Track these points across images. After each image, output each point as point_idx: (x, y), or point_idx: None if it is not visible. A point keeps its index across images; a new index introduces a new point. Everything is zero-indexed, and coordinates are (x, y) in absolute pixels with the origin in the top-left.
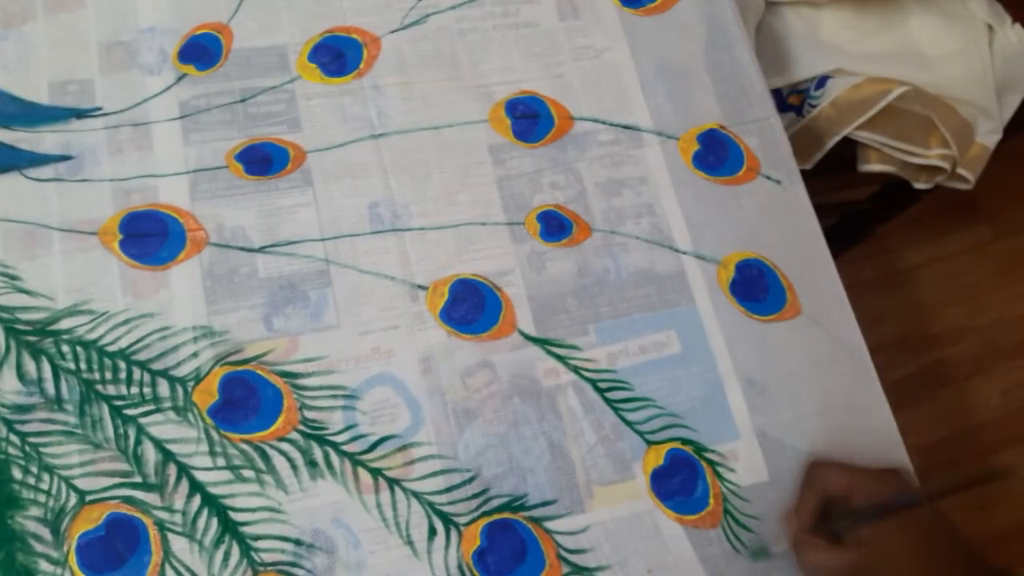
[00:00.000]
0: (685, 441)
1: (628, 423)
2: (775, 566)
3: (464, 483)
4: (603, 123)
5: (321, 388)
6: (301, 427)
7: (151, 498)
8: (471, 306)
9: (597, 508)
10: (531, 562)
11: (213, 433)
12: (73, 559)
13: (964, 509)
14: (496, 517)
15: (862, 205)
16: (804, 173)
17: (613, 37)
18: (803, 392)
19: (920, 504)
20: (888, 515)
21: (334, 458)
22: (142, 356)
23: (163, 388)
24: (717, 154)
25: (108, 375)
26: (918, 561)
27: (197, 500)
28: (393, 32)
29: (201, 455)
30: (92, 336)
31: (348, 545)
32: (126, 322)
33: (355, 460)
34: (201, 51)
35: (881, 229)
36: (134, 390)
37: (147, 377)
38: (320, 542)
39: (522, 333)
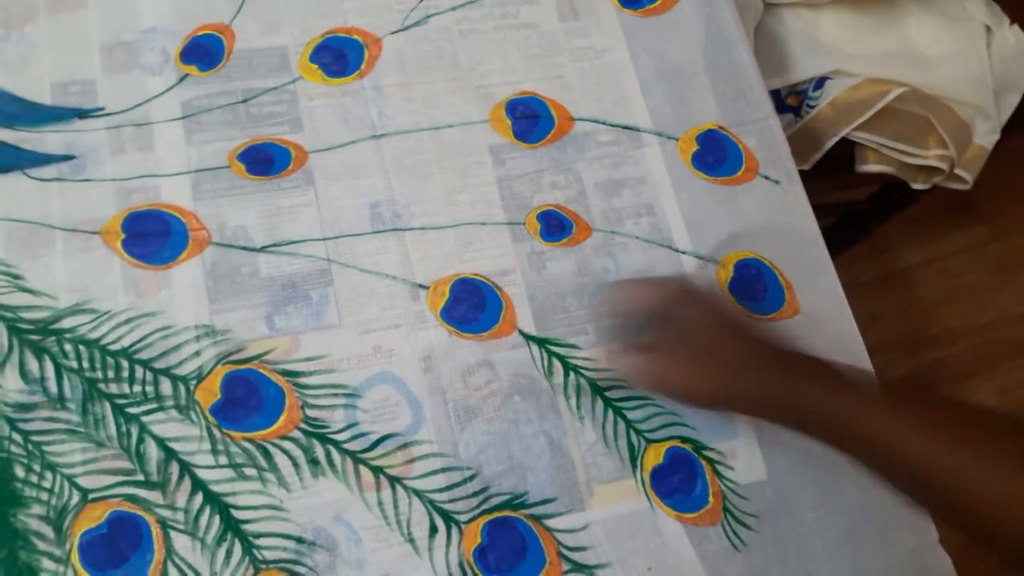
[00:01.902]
0: (684, 439)
1: (628, 421)
2: (775, 566)
3: (465, 481)
4: (603, 124)
5: (322, 387)
6: (303, 425)
7: (153, 496)
8: (471, 305)
9: (597, 506)
10: (531, 559)
11: (215, 431)
12: (75, 557)
13: None
14: (497, 515)
15: (860, 205)
16: (803, 173)
17: (613, 38)
18: None
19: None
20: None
21: (335, 456)
22: (144, 355)
23: (165, 387)
24: (716, 154)
25: (110, 374)
26: (706, 349)
27: (199, 498)
28: (394, 33)
29: (203, 453)
30: (94, 335)
31: (349, 543)
32: (128, 321)
33: (356, 458)
34: (203, 52)
35: (879, 229)
36: (136, 389)
37: (149, 376)
38: (321, 540)
39: (522, 332)
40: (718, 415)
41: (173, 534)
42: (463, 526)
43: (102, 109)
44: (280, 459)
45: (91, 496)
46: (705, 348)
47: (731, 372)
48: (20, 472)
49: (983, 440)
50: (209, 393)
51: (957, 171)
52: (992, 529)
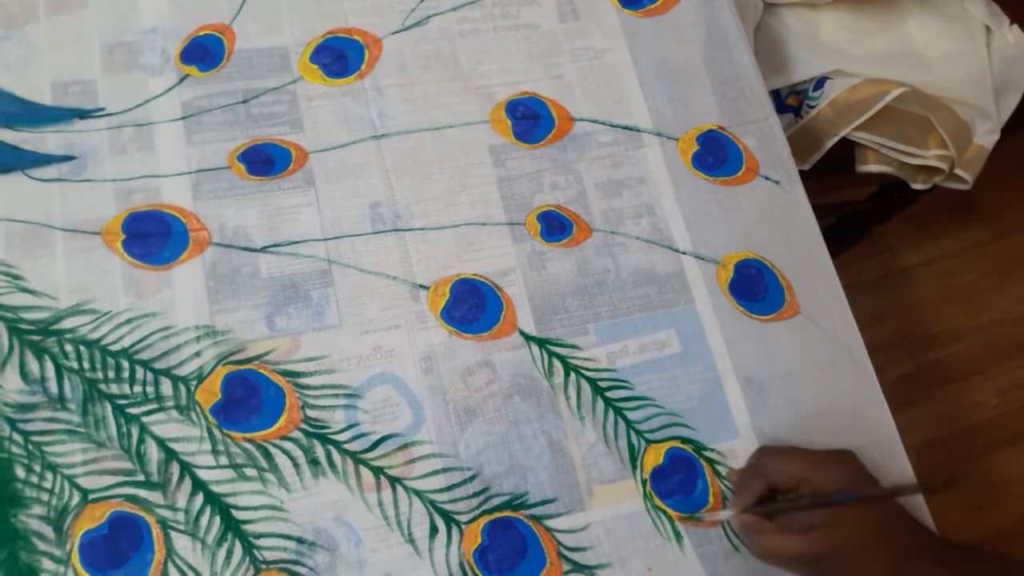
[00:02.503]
0: (684, 440)
1: (628, 422)
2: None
3: (465, 481)
4: (603, 124)
5: (323, 387)
6: (303, 426)
7: (154, 497)
8: (472, 306)
9: (597, 506)
10: (532, 560)
11: (215, 432)
12: (76, 557)
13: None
14: (497, 515)
15: (860, 205)
16: (803, 173)
17: (613, 38)
18: (802, 391)
19: (856, 503)
20: (826, 506)
21: (336, 457)
22: (145, 355)
23: (166, 387)
24: (716, 155)
25: (111, 374)
26: (875, 547)
27: (200, 498)
28: (394, 33)
29: (204, 454)
30: (95, 335)
31: (350, 543)
32: (129, 321)
33: (357, 459)
34: (203, 52)
35: (879, 229)
36: (137, 389)
37: (150, 376)
38: (322, 540)
39: (522, 333)
40: (718, 414)
41: (173, 534)
42: (463, 526)
43: (102, 109)
44: (280, 459)
45: (91, 496)
46: (871, 546)
47: (892, 573)
48: (20, 472)
49: None
50: (209, 393)
51: (957, 171)
52: None
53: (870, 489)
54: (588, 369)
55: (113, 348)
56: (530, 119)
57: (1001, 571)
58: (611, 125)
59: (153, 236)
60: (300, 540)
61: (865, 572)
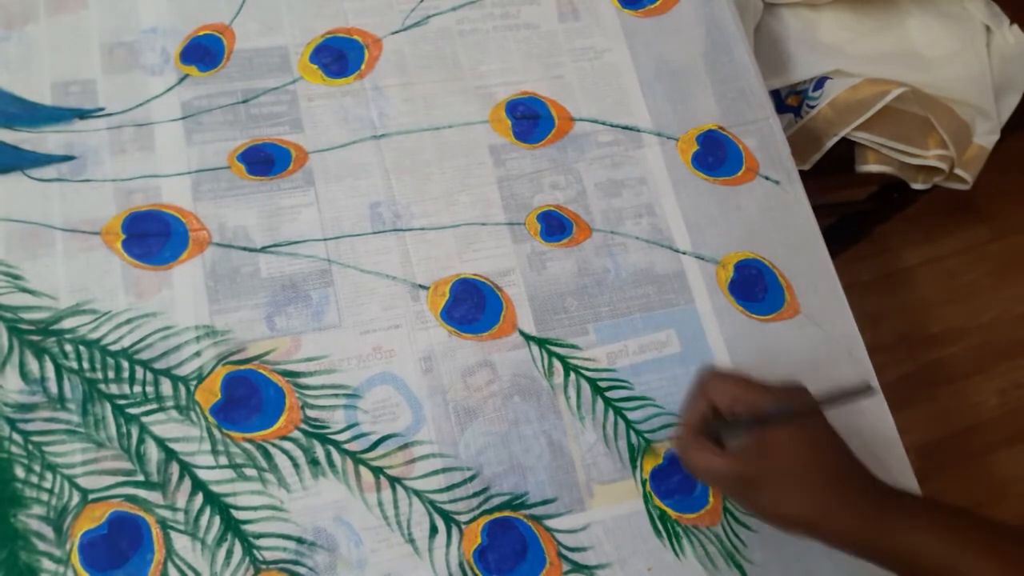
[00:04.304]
0: None
1: (628, 422)
2: (775, 566)
3: (465, 481)
4: (603, 124)
5: (323, 387)
6: (303, 426)
7: (154, 497)
8: (472, 306)
9: (597, 506)
10: (532, 560)
11: (215, 432)
12: (76, 557)
13: None
14: (497, 515)
15: (860, 205)
16: (803, 173)
17: (613, 38)
18: None
19: (794, 416)
20: (766, 425)
21: (336, 457)
22: (144, 355)
23: (165, 387)
24: (716, 154)
25: (111, 374)
26: (801, 469)
27: (199, 498)
28: (394, 33)
29: (203, 454)
30: (95, 335)
31: (349, 543)
32: (128, 321)
33: (357, 459)
34: (203, 52)
35: (879, 229)
36: (136, 389)
37: (149, 376)
38: (322, 540)
39: (522, 333)
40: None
41: (173, 534)
42: (463, 526)
43: (102, 109)
44: (280, 459)
45: (91, 496)
46: (797, 468)
47: (818, 498)
48: (20, 472)
49: None
50: (209, 393)
51: (957, 171)
52: None
53: (810, 399)
54: (588, 369)
55: (113, 348)
56: (530, 119)
57: (925, 512)
58: (611, 125)
59: (153, 236)
60: (300, 540)
61: (788, 495)
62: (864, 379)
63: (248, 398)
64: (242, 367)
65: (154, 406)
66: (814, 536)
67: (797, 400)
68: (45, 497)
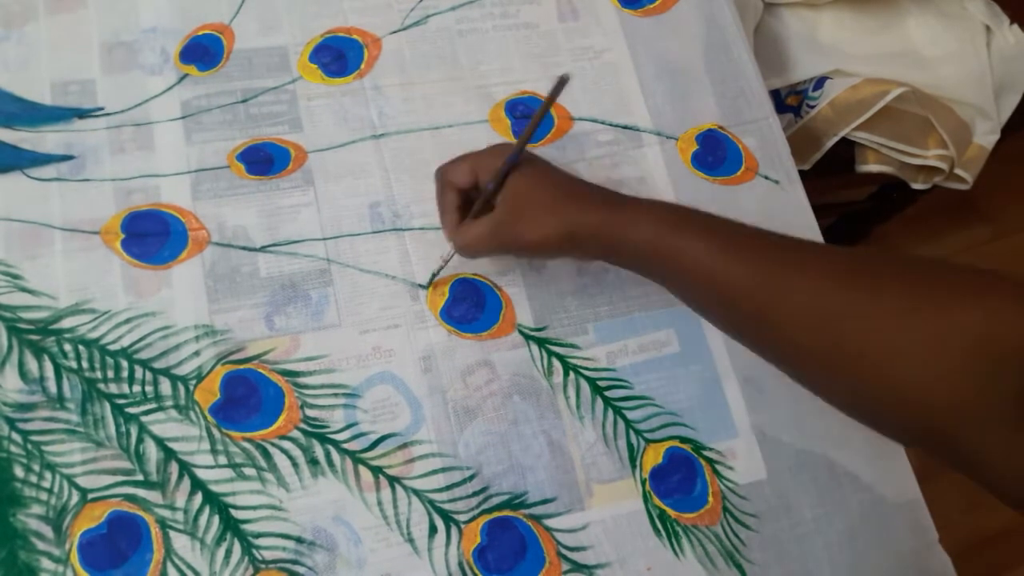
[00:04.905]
0: (684, 439)
1: (627, 421)
2: (775, 566)
3: (464, 481)
4: (602, 123)
5: (322, 387)
6: (302, 425)
7: (153, 496)
8: (471, 305)
9: (596, 506)
10: (531, 559)
11: (215, 431)
12: (75, 557)
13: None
14: (496, 515)
15: (860, 205)
16: (802, 173)
17: (612, 38)
18: (801, 390)
19: (521, 152)
20: (504, 179)
21: (335, 456)
22: (144, 355)
23: (165, 387)
24: (716, 154)
25: (110, 374)
26: (540, 196)
27: (199, 498)
28: (394, 33)
29: (203, 453)
30: (94, 335)
31: (349, 543)
32: (128, 321)
33: (356, 458)
34: (203, 52)
35: (879, 229)
36: (136, 389)
37: (149, 376)
38: (321, 540)
39: (522, 332)
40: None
41: (172, 534)
42: (463, 526)
43: (102, 109)
44: (279, 459)
45: (90, 496)
46: (535, 199)
47: (561, 214)
48: (20, 472)
49: (786, 258)
50: (209, 393)
51: (957, 171)
52: (786, 341)
53: (524, 129)
54: (587, 368)
55: (112, 348)
56: (529, 118)
57: (655, 207)
58: (611, 124)
59: (152, 235)
60: (299, 539)
61: (539, 220)
62: (562, 75)
63: (247, 397)
64: (241, 367)
65: (153, 405)
66: (572, 250)
67: (515, 145)
68: (44, 496)
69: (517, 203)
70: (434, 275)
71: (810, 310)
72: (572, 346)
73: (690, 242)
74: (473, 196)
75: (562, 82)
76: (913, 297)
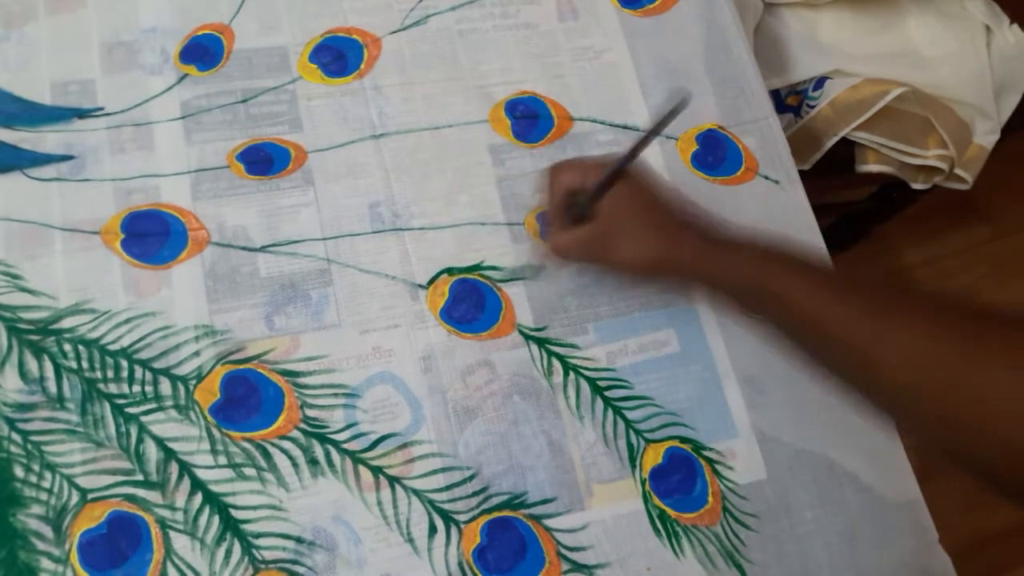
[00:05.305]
0: (684, 439)
1: (627, 421)
2: (775, 566)
3: (464, 481)
4: (602, 123)
5: (322, 387)
6: (302, 425)
7: (153, 496)
8: (471, 305)
9: (596, 506)
10: (531, 559)
11: (214, 431)
12: (75, 557)
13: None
14: (496, 515)
15: (860, 205)
16: (802, 173)
17: (612, 38)
18: (801, 390)
19: (628, 163)
20: (609, 187)
21: (335, 456)
22: (144, 355)
23: (165, 387)
24: (715, 154)
25: (110, 374)
26: (641, 217)
27: (199, 498)
28: (393, 33)
29: (202, 453)
30: (94, 335)
31: (349, 543)
32: (128, 321)
33: (356, 458)
34: (202, 51)
35: (879, 229)
36: (136, 389)
37: (149, 376)
38: (321, 540)
39: (522, 332)
40: (718, 414)
41: (172, 534)
42: (462, 526)
43: (102, 109)
44: (279, 459)
45: (90, 496)
46: (636, 219)
47: (661, 239)
48: (19, 472)
49: (895, 309)
50: (208, 393)
51: (957, 171)
52: (892, 392)
53: (635, 144)
54: (587, 368)
55: (112, 348)
56: (529, 118)
57: (750, 244)
58: (610, 124)
59: (152, 235)
60: (299, 540)
61: (635, 241)
62: (680, 92)
63: (247, 397)
64: (241, 366)
65: (153, 405)
66: (670, 271)
67: (619, 158)
68: (44, 497)
69: (617, 218)
70: (528, 269)
71: (920, 352)
72: (572, 346)
73: (794, 282)
74: (577, 201)
75: (681, 103)
76: None
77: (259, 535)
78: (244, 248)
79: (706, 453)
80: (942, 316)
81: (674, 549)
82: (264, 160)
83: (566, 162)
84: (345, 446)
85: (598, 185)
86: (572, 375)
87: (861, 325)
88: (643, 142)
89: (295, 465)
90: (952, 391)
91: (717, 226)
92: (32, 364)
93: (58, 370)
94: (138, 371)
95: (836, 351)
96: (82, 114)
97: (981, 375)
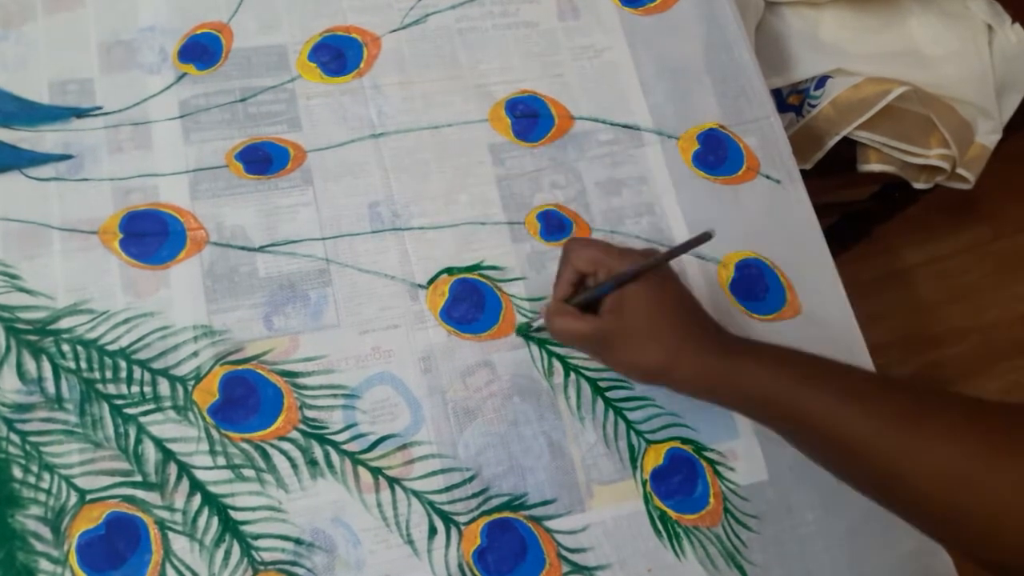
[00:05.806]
0: (685, 440)
1: (628, 422)
2: (776, 567)
3: (464, 482)
4: (603, 122)
5: (321, 387)
6: (301, 426)
7: (151, 497)
8: (471, 305)
9: (597, 507)
10: (531, 561)
11: (213, 432)
12: (73, 558)
13: None
14: (496, 516)
15: (862, 205)
16: (804, 173)
17: (613, 37)
18: None
19: (647, 271)
20: (622, 285)
21: (334, 457)
22: (142, 355)
23: (163, 387)
24: (717, 153)
25: (108, 374)
26: (652, 321)
27: (197, 499)
28: (393, 32)
29: (201, 454)
30: (92, 335)
31: (348, 544)
32: (126, 321)
33: (355, 459)
34: (201, 50)
35: (881, 229)
36: (134, 389)
37: (147, 376)
38: (320, 541)
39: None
40: (718, 414)
41: (171, 535)
42: (462, 527)
43: (100, 108)
44: (279, 460)
45: (89, 497)
46: (635, 320)
47: (660, 352)
48: (18, 473)
49: (920, 418)
50: (207, 393)
51: (959, 171)
52: (918, 506)
53: (659, 256)
54: (588, 369)
55: (110, 348)
56: (529, 118)
57: (765, 355)
58: (611, 124)
59: (151, 235)
60: (298, 541)
61: (642, 346)
62: (707, 230)
63: (246, 398)
64: (240, 367)
65: (152, 406)
66: (668, 383)
67: (648, 258)
68: (43, 497)
69: (625, 320)
70: (528, 327)
71: (946, 469)
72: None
73: (812, 394)
74: (587, 286)
75: (704, 237)
76: None
77: (258, 536)
78: (243, 248)
79: (707, 454)
80: (973, 422)
81: (675, 550)
82: (263, 159)
83: (583, 241)
84: (344, 447)
85: (610, 284)
86: (573, 375)
87: (884, 442)
88: (664, 256)
89: (294, 466)
90: (979, 507)
91: (729, 339)
92: (30, 364)
93: (56, 370)
94: (137, 371)
95: (862, 467)
96: (80, 113)
97: (1007, 490)
